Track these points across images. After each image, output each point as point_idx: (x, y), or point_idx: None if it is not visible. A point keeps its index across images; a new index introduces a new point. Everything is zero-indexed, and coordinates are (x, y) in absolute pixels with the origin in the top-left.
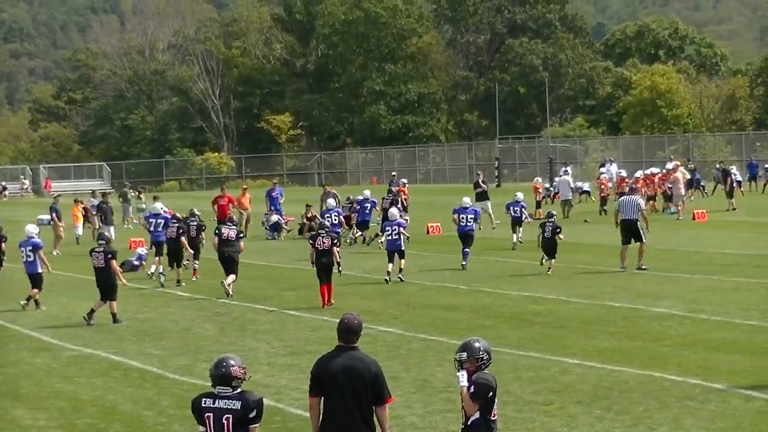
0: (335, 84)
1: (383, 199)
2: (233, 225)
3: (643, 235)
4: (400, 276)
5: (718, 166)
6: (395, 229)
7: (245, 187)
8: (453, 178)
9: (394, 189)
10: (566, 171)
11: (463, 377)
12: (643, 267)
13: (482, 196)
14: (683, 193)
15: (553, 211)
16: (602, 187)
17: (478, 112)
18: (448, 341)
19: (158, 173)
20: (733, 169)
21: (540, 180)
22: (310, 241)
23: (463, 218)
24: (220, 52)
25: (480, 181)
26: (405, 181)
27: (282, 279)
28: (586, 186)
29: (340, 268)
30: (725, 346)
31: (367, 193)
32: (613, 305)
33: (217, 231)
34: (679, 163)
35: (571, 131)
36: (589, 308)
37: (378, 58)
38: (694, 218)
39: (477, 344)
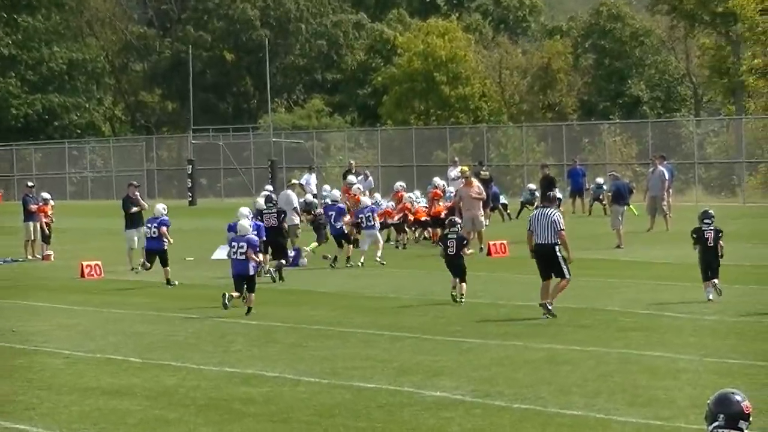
0: None
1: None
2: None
3: (565, 270)
4: (248, 313)
5: (529, 187)
6: (243, 246)
7: None
8: (122, 191)
9: (32, 208)
10: (301, 182)
11: None
12: (550, 306)
13: (136, 221)
14: (482, 215)
15: (457, 218)
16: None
17: (163, 90)
18: None
19: None
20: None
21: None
22: None
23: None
24: None
25: (135, 196)
26: (48, 196)
27: None
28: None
29: None
30: None
31: (336, 193)
32: (366, 387)
33: None
34: (467, 169)
35: (304, 120)
36: (328, 391)
37: (6, 6)
38: (489, 253)
39: None
